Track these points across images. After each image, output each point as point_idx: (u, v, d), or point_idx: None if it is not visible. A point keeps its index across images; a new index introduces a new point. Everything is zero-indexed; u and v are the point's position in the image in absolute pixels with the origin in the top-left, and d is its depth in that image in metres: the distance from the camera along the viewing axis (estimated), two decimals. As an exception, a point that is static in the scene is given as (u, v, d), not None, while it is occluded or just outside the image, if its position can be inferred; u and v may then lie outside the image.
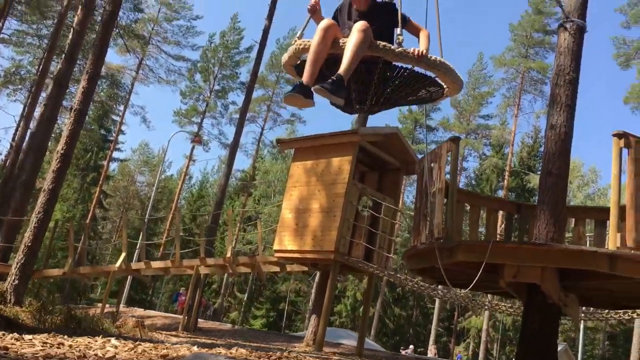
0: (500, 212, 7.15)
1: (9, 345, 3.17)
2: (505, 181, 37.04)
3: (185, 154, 45.49)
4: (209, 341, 9.74)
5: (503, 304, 7.79)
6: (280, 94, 43.42)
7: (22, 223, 15.51)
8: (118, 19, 16.16)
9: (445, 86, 4.21)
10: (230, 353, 4.17)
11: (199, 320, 15.97)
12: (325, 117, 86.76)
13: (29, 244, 10.06)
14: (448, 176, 5.16)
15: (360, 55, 3.69)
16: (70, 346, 3.46)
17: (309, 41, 3.89)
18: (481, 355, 32.64)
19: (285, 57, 4.24)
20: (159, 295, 45.86)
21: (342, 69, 3.63)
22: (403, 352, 24.81)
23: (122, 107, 39.66)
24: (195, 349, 3.85)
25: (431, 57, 3.86)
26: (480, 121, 42.12)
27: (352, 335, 17.85)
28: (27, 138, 17.38)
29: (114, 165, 45.48)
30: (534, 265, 4.43)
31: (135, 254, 20.08)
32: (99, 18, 18.46)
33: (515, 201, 8.68)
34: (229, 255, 13.11)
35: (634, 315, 5.97)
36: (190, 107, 41.48)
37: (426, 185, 5.30)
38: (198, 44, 41.46)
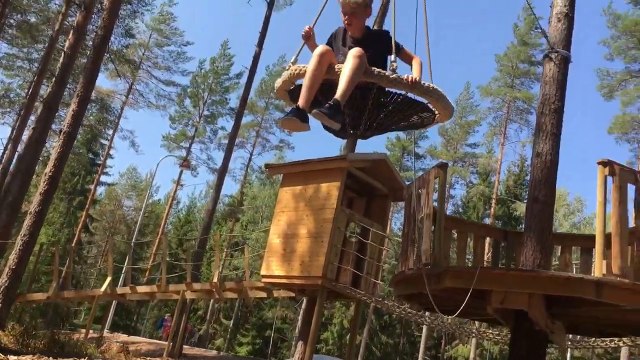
0: (487, 239, 7.17)
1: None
2: (492, 209, 37.22)
3: (173, 179, 45.42)
4: (194, 367, 9.63)
5: (490, 331, 7.79)
6: (269, 120, 43.63)
7: (7, 246, 15.33)
8: (109, 43, 16.25)
9: (436, 112, 4.28)
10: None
11: (184, 346, 15.77)
12: (313, 143, 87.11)
13: (14, 267, 9.96)
14: (436, 203, 5.20)
15: (356, 80, 3.75)
16: (55, 369, 3.43)
17: (304, 66, 3.95)
18: (468, 384, 32.39)
19: (279, 82, 4.29)
20: (143, 321, 45.22)
21: (338, 94, 3.68)
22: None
23: (111, 131, 39.67)
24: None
25: (424, 83, 3.94)
26: (467, 149, 42.49)
27: (338, 362, 17.69)
28: (14, 160, 17.28)
29: (101, 189, 45.26)
30: (521, 292, 4.45)
31: (120, 279, 19.86)
32: (90, 42, 18.55)
33: (502, 228, 8.74)
34: (215, 280, 13.02)
35: (620, 344, 6.00)
36: (179, 132, 41.52)
37: (414, 210, 5.33)
38: (188, 70, 41.75)
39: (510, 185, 40.13)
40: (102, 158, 41.14)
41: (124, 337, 19.02)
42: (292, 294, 11.96)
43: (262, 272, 10.73)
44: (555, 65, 5.82)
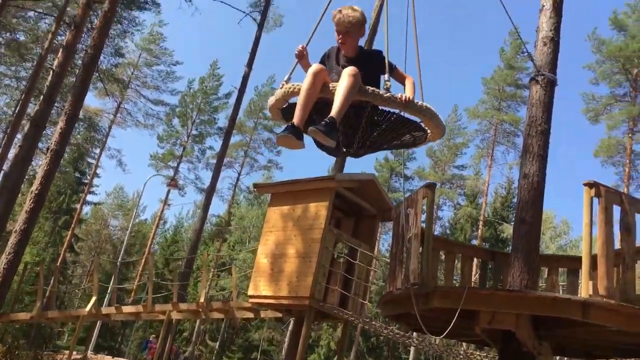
0: (475, 260, 7.20)
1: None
2: (480, 231, 37.35)
3: (160, 198, 45.06)
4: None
5: (478, 353, 7.78)
6: (257, 140, 43.66)
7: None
8: (99, 62, 16.26)
9: (429, 131, 4.32)
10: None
11: (169, 368, 15.58)
12: (301, 162, 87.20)
13: (-3, 286, 9.84)
14: (424, 224, 5.22)
15: (350, 99, 3.79)
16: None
17: (297, 85, 3.98)
18: (456, 407, 32.16)
19: (272, 100, 4.32)
20: (128, 343, 44.61)
21: (334, 112, 3.71)
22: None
23: (98, 150, 39.48)
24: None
25: (417, 102, 3.98)
26: (454, 171, 42.72)
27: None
28: (0, 178, 17.14)
29: (87, 209, 44.92)
30: (509, 312, 4.47)
31: (105, 299, 19.64)
32: (79, 61, 18.54)
33: (490, 249, 8.78)
34: (202, 300, 12.92)
35: (607, 365, 6.00)
36: (167, 151, 41.42)
37: (402, 230, 5.35)
38: (177, 89, 41.86)
39: (497, 207, 40.33)
40: (88, 177, 40.90)
41: (108, 359, 18.76)
42: (280, 315, 11.89)
43: (250, 292, 10.67)
44: (542, 88, 5.91)
